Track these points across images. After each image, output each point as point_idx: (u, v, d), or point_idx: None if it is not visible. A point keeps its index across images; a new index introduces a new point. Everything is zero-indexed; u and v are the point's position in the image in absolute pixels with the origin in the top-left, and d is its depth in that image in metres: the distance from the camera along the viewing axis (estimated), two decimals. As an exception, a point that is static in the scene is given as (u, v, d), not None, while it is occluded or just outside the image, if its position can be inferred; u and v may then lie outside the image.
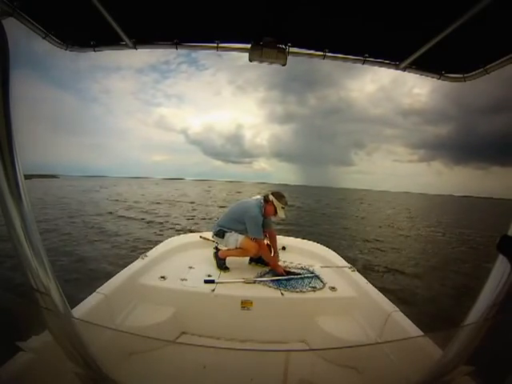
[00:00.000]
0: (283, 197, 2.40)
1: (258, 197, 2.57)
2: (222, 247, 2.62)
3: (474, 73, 1.20)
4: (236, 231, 2.43)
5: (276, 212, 2.37)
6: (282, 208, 2.37)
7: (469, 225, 18.24)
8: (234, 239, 2.40)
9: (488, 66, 1.12)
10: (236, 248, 2.40)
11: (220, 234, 2.50)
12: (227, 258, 2.46)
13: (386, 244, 9.57)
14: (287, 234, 3.60)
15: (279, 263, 2.48)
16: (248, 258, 2.62)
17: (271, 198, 2.39)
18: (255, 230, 2.33)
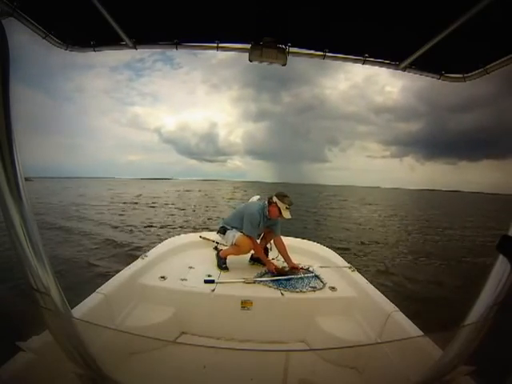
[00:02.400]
0: (286, 197, 2.37)
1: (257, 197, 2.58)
2: (222, 247, 2.62)
3: (473, 73, 1.20)
4: (236, 229, 2.45)
5: (280, 213, 2.35)
6: (287, 208, 2.34)
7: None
8: (232, 235, 2.43)
9: (488, 66, 1.12)
10: (232, 244, 2.41)
11: (222, 230, 2.54)
12: (228, 259, 2.46)
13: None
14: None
15: (277, 263, 2.49)
16: (248, 258, 2.62)
17: (274, 199, 2.37)
18: (248, 227, 2.35)
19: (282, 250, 2.51)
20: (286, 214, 2.34)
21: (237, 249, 2.39)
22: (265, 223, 2.45)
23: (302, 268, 2.45)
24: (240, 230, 2.43)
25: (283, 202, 2.33)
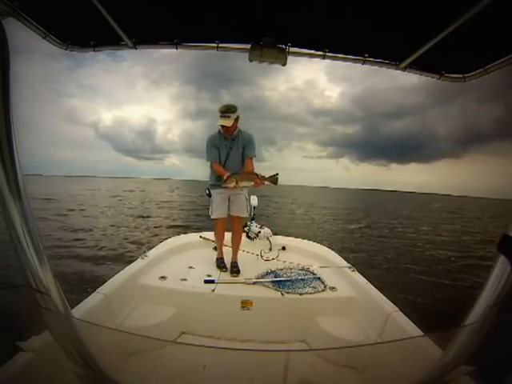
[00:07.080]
0: (221, 106, 2.18)
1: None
2: None
3: (474, 73, 1.20)
4: (211, 185, 2.46)
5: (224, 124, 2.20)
6: (220, 117, 2.17)
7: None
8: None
9: (488, 66, 1.12)
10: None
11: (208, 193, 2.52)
12: (227, 259, 2.46)
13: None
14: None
15: (277, 263, 2.49)
16: (247, 258, 2.62)
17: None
18: (206, 153, 2.35)
19: (246, 169, 2.36)
20: (221, 121, 2.17)
21: (215, 227, 2.44)
22: (226, 144, 2.33)
23: (263, 177, 2.17)
24: (212, 184, 2.43)
25: (219, 111, 2.18)
